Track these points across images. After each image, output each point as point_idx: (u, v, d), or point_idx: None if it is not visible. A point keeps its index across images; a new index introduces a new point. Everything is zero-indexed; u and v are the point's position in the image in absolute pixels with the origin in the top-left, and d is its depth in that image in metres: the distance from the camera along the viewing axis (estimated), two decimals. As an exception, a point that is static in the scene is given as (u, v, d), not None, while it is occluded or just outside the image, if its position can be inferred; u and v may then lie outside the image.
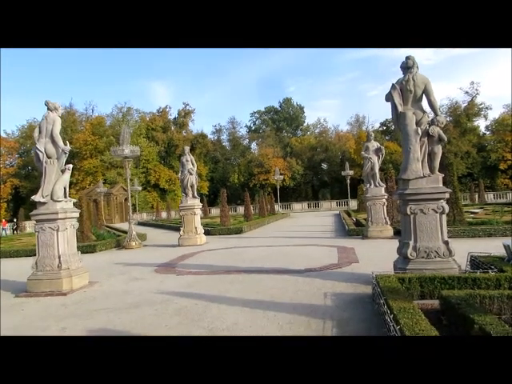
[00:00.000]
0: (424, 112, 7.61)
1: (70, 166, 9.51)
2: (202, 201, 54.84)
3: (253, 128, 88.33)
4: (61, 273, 8.89)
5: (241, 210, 48.11)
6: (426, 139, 7.47)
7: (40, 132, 9.32)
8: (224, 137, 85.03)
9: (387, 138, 67.39)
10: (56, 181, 9.16)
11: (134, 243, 18.76)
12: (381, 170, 16.55)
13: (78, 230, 20.69)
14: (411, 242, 7.34)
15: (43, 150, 9.16)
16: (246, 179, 72.14)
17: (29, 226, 47.17)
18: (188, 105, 77.66)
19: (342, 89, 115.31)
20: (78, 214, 9.63)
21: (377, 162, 16.00)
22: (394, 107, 7.64)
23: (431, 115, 7.77)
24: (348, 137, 73.19)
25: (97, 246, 17.88)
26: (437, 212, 7.30)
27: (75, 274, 9.14)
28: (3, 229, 40.18)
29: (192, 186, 18.01)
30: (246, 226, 23.56)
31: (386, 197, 15.99)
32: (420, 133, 7.39)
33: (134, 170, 66.04)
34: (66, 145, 9.34)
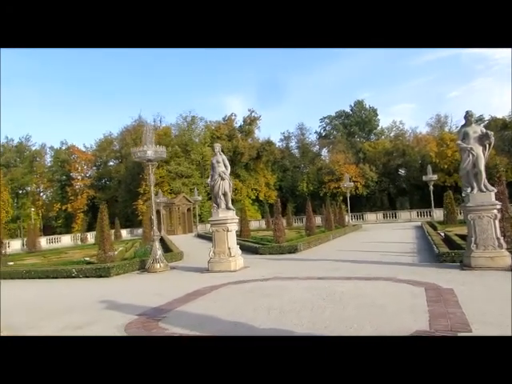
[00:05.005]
0: None
1: None
2: (265, 211, 52.04)
3: (323, 134, 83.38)
4: None
5: (307, 221, 43.51)
6: None
7: None
8: (293, 144, 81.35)
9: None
10: None
11: (158, 265, 15.18)
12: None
13: (100, 249, 17.82)
14: None
15: None
16: (315, 188, 67.76)
17: (90, 236, 46.44)
18: (254, 111, 74.62)
19: (418, 92, 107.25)
20: None
21: (482, 155, 10.49)
22: None
23: None
24: (428, 139, 65.86)
25: (112, 268, 14.36)
26: None
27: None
28: None
29: (225, 195, 14.01)
30: (302, 244, 19.03)
31: (498, 207, 10.47)
32: None
33: (199, 180, 64.60)
34: None
